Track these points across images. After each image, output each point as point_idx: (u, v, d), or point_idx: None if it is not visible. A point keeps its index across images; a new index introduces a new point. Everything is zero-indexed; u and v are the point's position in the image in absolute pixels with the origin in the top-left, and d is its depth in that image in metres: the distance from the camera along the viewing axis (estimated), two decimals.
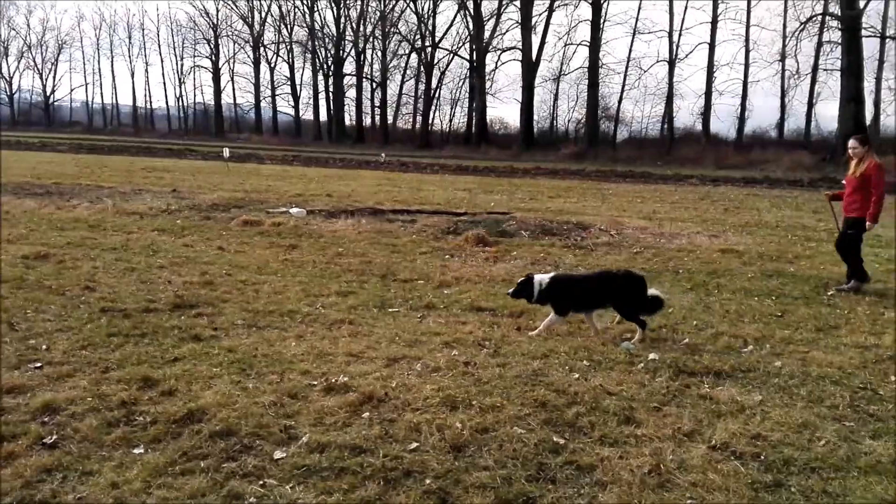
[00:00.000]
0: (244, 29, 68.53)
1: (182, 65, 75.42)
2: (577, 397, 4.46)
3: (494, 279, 8.26)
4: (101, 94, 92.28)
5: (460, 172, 30.92)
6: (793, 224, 14.44)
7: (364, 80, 64.10)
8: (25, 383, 4.42)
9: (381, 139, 58.65)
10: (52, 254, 8.67)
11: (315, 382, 4.63)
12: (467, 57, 59.24)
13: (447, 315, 6.65)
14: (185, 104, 74.81)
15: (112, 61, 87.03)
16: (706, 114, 48.40)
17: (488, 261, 9.61)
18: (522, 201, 17.97)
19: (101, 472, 3.36)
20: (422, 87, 62.02)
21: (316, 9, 64.36)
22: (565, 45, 55.06)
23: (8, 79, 74.41)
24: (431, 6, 59.63)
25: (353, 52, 63.57)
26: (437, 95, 62.32)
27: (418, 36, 60.99)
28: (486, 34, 55.96)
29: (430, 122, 62.14)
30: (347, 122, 65.56)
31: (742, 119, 48.45)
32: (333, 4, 62.09)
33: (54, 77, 77.01)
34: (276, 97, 70.05)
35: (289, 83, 68.71)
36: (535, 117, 55.12)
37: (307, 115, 69.24)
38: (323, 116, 66.86)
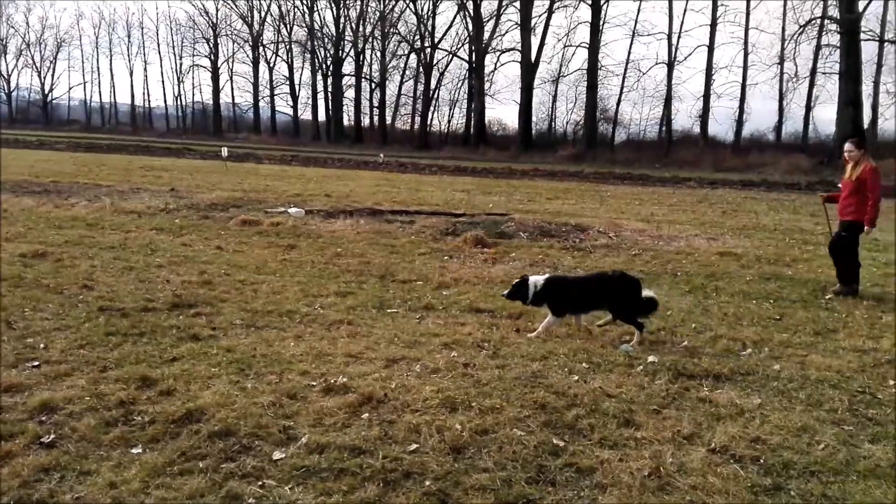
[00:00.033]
0: (243, 28, 68.61)
1: (181, 64, 75.32)
2: (576, 399, 4.46)
3: (493, 280, 8.25)
4: (100, 92, 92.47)
5: (459, 173, 30.92)
6: (790, 227, 14.46)
7: (363, 80, 64.12)
8: (23, 382, 4.40)
9: (380, 139, 58.63)
10: (50, 252, 8.64)
11: (314, 383, 4.62)
12: (466, 58, 59.36)
13: (446, 316, 6.64)
14: (184, 103, 74.88)
15: (111, 60, 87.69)
16: (704, 116, 48.57)
17: (487, 262, 9.61)
18: (521, 203, 17.97)
19: (99, 471, 3.35)
20: (421, 87, 62.09)
21: (315, 9, 64.45)
22: (564, 46, 55.30)
23: (6, 77, 74.46)
24: (431, 7, 59.74)
25: (352, 53, 63.64)
26: (435, 96, 62.40)
27: (418, 37, 61.06)
28: (486, 35, 56.04)
29: (428, 122, 62.19)
30: (346, 122, 65.64)
31: (740, 122, 48.67)
32: (333, 4, 62.15)
33: (53, 75, 77.22)
34: (275, 97, 70.12)
35: (287, 83, 68.75)
36: (534, 119, 55.29)
37: (306, 115, 69.30)
38: (321, 116, 66.93)
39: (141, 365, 4.83)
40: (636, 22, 51.96)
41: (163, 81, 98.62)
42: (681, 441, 3.90)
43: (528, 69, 52.15)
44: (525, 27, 51.96)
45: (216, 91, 70.38)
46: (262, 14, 68.10)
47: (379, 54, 63.06)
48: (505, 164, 37.83)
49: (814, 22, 39.96)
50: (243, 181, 21.15)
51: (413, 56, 62.07)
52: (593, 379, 4.88)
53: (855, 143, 8.24)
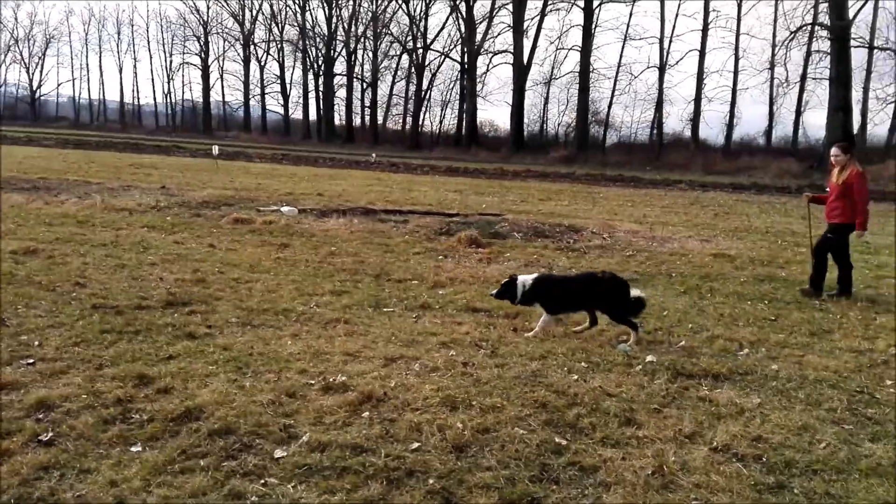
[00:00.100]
0: (234, 27, 68.27)
1: (171, 61, 74.64)
2: (576, 398, 4.45)
3: (489, 280, 8.24)
4: (89, 89, 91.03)
5: (451, 174, 30.92)
6: (782, 230, 14.56)
7: (354, 80, 64.05)
8: (18, 380, 4.34)
9: (371, 139, 58.54)
10: (41, 249, 8.54)
11: (313, 381, 4.59)
12: (458, 59, 59.40)
13: (443, 315, 6.62)
14: (173, 101, 74.38)
15: (100, 56, 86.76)
16: (695, 120, 48.81)
17: (482, 262, 9.60)
18: (514, 203, 17.99)
19: (99, 470, 3.30)
20: (412, 88, 62.07)
21: (308, 8, 64.27)
22: (557, 49, 55.39)
23: None
24: (424, 8, 59.75)
25: (343, 52, 63.53)
26: (427, 97, 62.40)
27: (410, 37, 61.06)
28: (478, 37, 56.06)
29: (420, 123, 62.15)
30: (337, 121, 65.46)
31: (730, 126, 49.04)
32: (325, 4, 62.02)
33: (41, 71, 76.41)
34: (266, 95, 69.84)
35: (278, 81, 68.52)
36: (526, 120, 55.36)
37: (296, 114, 69.10)
38: (312, 116, 66.78)
39: (137, 363, 4.77)
40: (628, 26, 52.24)
41: (152, 79, 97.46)
42: (682, 440, 3.91)
43: (521, 71, 52.27)
44: (517, 29, 52.08)
45: (206, 89, 70.04)
46: (254, 13, 67.91)
47: (371, 54, 63.07)
48: (497, 164, 37.85)
49: (804, 28, 40.25)
50: (234, 179, 21.03)
51: (405, 56, 62.12)
52: (593, 378, 4.87)
53: (842, 147, 8.32)
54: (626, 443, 3.85)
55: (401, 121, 64.67)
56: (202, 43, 69.29)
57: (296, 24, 65.19)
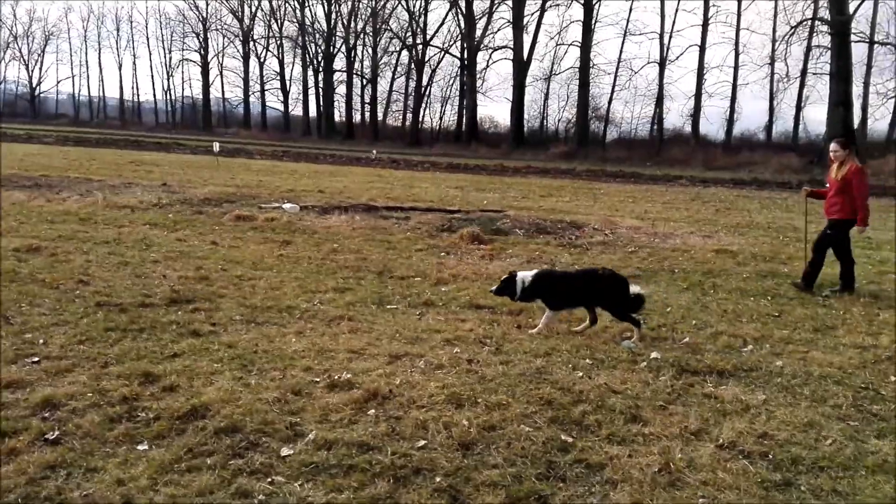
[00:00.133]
0: (234, 23, 68.15)
1: (170, 58, 74.57)
2: (582, 395, 4.45)
3: (492, 277, 8.21)
4: (88, 86, 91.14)
5: (451, 170, 30.90)
6: (783, 225, 14.55)
7: (354, 76, 63.94)
8: (24, 378, 4.33)
9: (371, 136, 58.49)
10: (44, 247, 8.54)
11: (318, 379, 4.59)
12: (458, 55, 59.26)
13: (446, 312, 6.62)
14: (173, 98, 74.29)
15: (99, 53, 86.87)
16: (695, 115, 48.71)
17: (484, 258, 9.59)
18: (515, 200, 17.97)
19: (105, 468, 3.30)
20: (412, 84, 61.93)
21: (307, 4, 64.11)
22: (557, 44, 55.25)
23: None
24: (423, 3, 59.54)
25: (343, 49, 63.39)
26: (427, 93, 62.28)
27: (409, 33, 60.94)
28: (478, 33, 55.94)
29: (420, 119, 62.07)
30: (337, 118, 65.36)
31: (731, 121, 48.91)
32: (324, 0, 61.84)
33: (41, 68, 76.14)
34: (266, 92, 69.73)
35: (278, 78, 68.39)
36: (526, 116, 55.28)
37: (296, 110, 68.99)
38: (312, 112, 66.68)
39: (142, 361, 4.77)
40: (628, 21, 52.03)
41: (152, 76, 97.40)
42: (688, 437, 3.91)
43: (521, 67, 52.18)
44: (517, 25, 51.97)
45: (206, 86, 69.97)
46: (253, 9, 67.78)
47: (370, 50, 62.95)
48: (497, 161, 37.83)
49: (805, 23, 40.21)
50: (235, 176, 21.02)
51: (405, 53, 62.00)
52: (597, 375, 4.87)
53: (840, 143, 8.30)
54: (633, 440, 3.85)
55: (401, 117, 64.69)
56: (201, 39, 69.29)
57: (295, 20, 65.14)
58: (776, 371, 5.11)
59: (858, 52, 39.99)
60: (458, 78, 60.28)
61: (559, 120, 59.69)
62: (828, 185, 8.41)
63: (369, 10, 61.06)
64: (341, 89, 64.68)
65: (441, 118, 64.74)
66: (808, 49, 43.24)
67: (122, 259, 8.21)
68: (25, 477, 3.18)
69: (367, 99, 64.55)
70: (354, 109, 65.11)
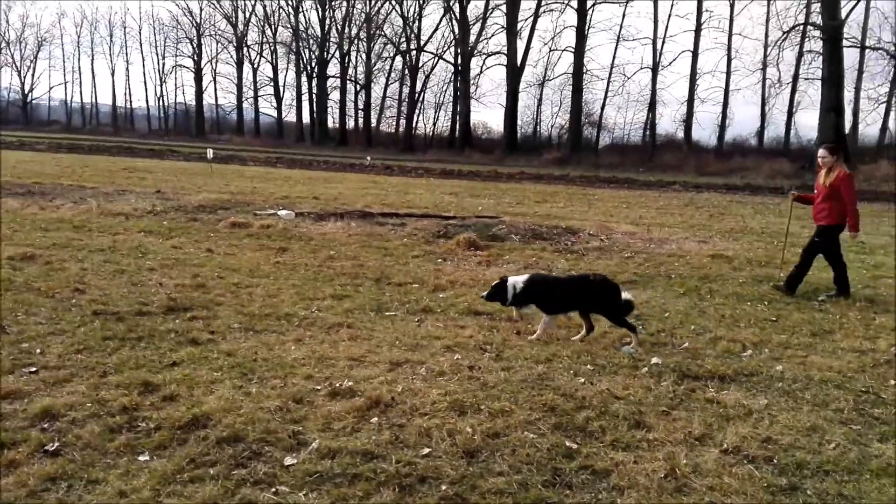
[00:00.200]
0: (228, 29, 68.17)
1: (163, 64, 74.44)
2: (584, 402, 4.44)
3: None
4: (81, 92, 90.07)
5: (445, 176, 30.91)
6: (777, 230, 14.58)
7: (348, 82, 64.00)
8: (22, 388, 4.28)
9: (365, 142, 58.50)
10: (39, 255, 8.47)
11: (319, 387, 4.56)
12: (452, 61, 59.40)
13: (445, 319, 6.60)
14: (166, 104, 74.10)
15: (92, 59, 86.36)
16: (688, 121, 49.07)
17: (481, 264, 9.59)
18: (510, 206, 17.99)
19: (107, 480, 3.26)
20: (406, 90, 62.00)
21: (301, 10, 64.12)
22: (550, 50, 55.66)
23: None
24: (417, 9, 59.79)
25: (337, 54, 63.43)
26: (421, 99, 62.39)
27: (403, 39, 61.05)
28: (472, 38, 56.13)
29: (413, 125, 62.13)
30: (330, 124, 65.30)
31: (723, 126, 49.29)
32: (318, 5, 61.93)
33: (33, 75, 75.99)
34: (259, 98, 69.66)
35: (272, 84, 68.36)
36: (519, 122, 55.44)
37: (290, 116, 68.93)
38: (306, 118, 66.60)
39: (141, 370, 4.73)
40: (621, 27, 52.41)
41: (145, 82, 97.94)
42: (693, 442, 3.90)
43: (514, 72, 52.37)
44: (511, 31, 52.17)
45: (199, 92, 69.83)
46: (247, 15, 67.80)
47: (364, 56, 62.98)
48: (490, 167, 37.88)
49: (797, 28, 40.49)
50: (229, 183, 20.95)
51: (398, 58, 62.10)
52: (599, 381, 4.87)
53: (829, 149, 8.35)
54: (637, 446, 3.85)
55: (394, 123, 64.71)
56: (195, 45, 69.25)
57: (289, 25, 65.18)
58: (777, 376, 5.12)
59: (850, 57, 40.45)
60: (451, 84, 60.56)
61: (552, 126, 60.00)
62: (816, 191, 8.45)
63: (363, 15, 61.21)
64: (335, 95, 64.84)
65: (434, 124, 64.95)
66: (800, 54, 43.64)
67: (118, 267, 8.16)
68: (26, 489, 3.14)
69: (360, 105, 64.70)
70: (348, 115, 65.26)
